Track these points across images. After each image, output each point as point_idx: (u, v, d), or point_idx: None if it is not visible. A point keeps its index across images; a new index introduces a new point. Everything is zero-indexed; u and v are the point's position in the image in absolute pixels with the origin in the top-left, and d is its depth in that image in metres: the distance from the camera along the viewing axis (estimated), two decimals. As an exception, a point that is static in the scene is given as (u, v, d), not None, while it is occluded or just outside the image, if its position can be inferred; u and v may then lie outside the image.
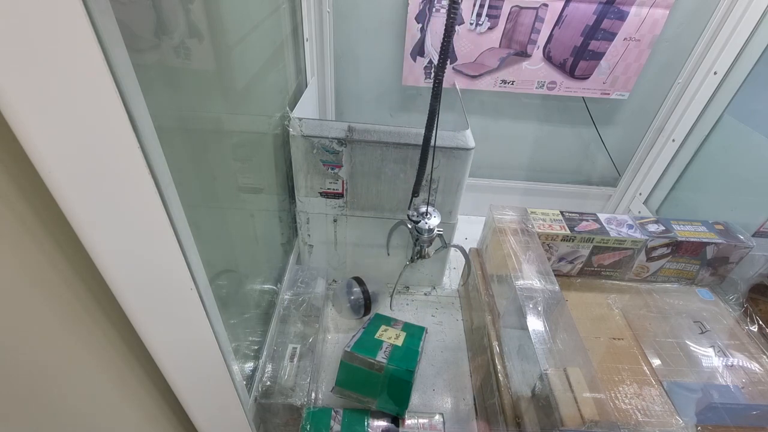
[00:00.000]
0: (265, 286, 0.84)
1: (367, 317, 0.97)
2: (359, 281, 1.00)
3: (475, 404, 0.86)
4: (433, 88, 0.58)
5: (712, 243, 0.89)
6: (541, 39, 1.05)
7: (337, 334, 0.98)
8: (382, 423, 0.74)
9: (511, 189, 1.38)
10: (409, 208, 0.81)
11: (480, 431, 0.81)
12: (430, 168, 0.84)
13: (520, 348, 0.70)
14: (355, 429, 0.73)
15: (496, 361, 0.75)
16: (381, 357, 0.77)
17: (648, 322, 0.87)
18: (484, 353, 0.82)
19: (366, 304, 0.97)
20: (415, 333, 0.88)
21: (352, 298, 0.97)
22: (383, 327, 0.87)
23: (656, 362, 0.79)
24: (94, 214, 0.30)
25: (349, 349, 0.78)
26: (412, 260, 0.86)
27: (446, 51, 0.53)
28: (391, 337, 0.84)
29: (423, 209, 0.80)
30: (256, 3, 0.69)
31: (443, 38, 0.51)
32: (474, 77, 1.12)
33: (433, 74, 0.55)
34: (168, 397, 0.49)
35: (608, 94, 1.14)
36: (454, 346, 0.98)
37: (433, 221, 0.79)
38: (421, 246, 0.82)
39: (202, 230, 0.47)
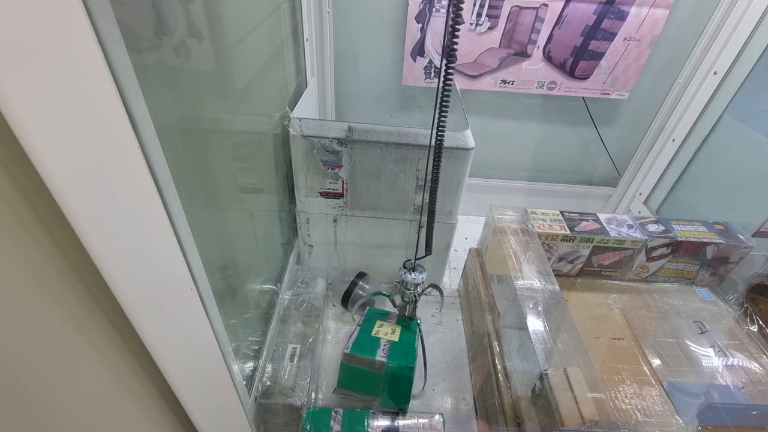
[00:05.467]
0: (265, 286, 0.84)
1: (361, 314, 0.97)
2: (361, 275, 1.03)
3: (475, 404, 0.86)
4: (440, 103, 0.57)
5: (712, 243, 0.89)
6: (541, 39, 1.05)
7: (337, 334, 0.98)
8: (382, 423, 0.74)
9: (511, 189, 1.38)
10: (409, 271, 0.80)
11: (480, 431, 0.81)
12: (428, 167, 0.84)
13: (520, 348, 0.70)
14: (355, 429, 0.72)
15: (496, 361, 0.75)
16: (380, 356, 0.77)
17: (648, 322, 0.87)
18: (484, 353, 0.82)
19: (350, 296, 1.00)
20: (410, 326, 0.88)
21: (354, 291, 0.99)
22: (378, 322, 0.87)
23: (656, 362, 0.79)
24: (94, 214, 0.30)
25: (348, 351, 0.78)
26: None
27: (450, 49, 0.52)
28: (387, 332, 0.84)
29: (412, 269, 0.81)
30: (256, 3, 0.69)
31: (446, 38, 0.51)
32: (474, 77, 1.12)
33: (438, 76, 0.54)
34: (168, 397, 0.48)
35: (608, 94, 1.14)
36: (454, 346, 0.98)
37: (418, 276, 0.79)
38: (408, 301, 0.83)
39: (202, 230, 0.47)
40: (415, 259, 0.79)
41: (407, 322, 0.88)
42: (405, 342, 0.82)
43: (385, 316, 0.91)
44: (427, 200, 0.82)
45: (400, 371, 0.76)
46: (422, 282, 0.80)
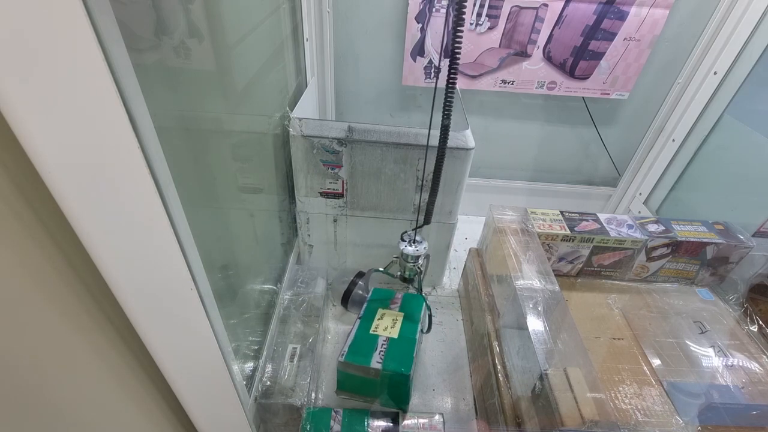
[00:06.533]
0: (265, 286, 0.84)
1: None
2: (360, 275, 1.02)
3: (475, 404, 0.86)
4: (444, 109, 0.58)
5: (712, 243, 0.89)
6: (541, 39, 1.05)
7: (337, 334, 0.98)
8: (382, 423, 0.74)
9: (511, 189, 1.38)
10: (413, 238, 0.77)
11: (480, 431, 0.81)
12: (423, 168, 0.84)
13: (520, 348, 0.70)
14: (355, 429, 0.72)
15: (496, 361, 0.75)
16: (376, 362, 0.75)
17: (648, 322, 0.87)
18: (484, 353, 0.82)
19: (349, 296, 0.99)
20: (413, 312, 0.85)
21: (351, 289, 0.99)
22: (380, 312, 0.85)
23: (656, 362, 0.79)
24: (94, 214, 0.30)
25: (342, 359, 0.75)
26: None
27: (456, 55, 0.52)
28: (387, 326, 0.82)
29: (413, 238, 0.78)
30: (256, 3, 0.69)
31: (452, 42, 0.50)
32: (474, 77, 1.12)
33: (442, 81, 0.53)
34: (168, 397, 0.49)
35: (608, 94, 1.14)
36: (454, 346, 0.98)
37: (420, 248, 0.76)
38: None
39: (202, 230, 0.47)
40: (415, 229, 0.75)
41: (411, 303, 0.85)
42: (405, 338, 0.80)
43: (388, 299, 0.88)
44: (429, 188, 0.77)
45: (396, 378, 0.74)
46: (424, 253, 0.77)
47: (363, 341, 0.80)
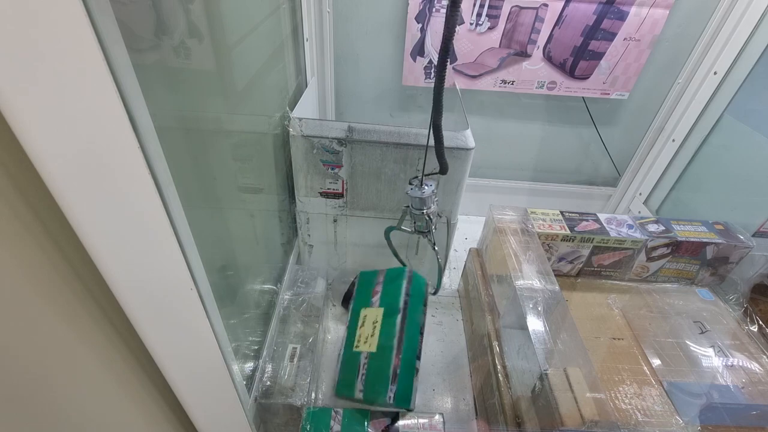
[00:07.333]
0: (265, 286, 0.84)
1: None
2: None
3: (475, 404, 0.86)
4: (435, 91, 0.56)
5: (712, 243, 0.89)
6: (541, 39, 1.05)
7: (337, 334, 0.98)
8: (383, 423, 0.74)
9: (511, 189, 1.38)
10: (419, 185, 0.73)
11: (480, 431, 0.81)
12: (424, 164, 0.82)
13: (520, 348, 0.70)
14: (355, 429, 0.72)
15: (496, 361, 0.75)
16: (359, 390, 0.76)
17: (648, 322, 0.87)
18: (484, 353, 0.82)
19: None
20: (394, 299, 0.80)
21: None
22: (362, 313, 0.82)
23: (656, 362, 0.79)
24: (94, 214, 0.30)
25: (335, 393, 0.78)
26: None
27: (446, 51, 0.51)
28: (367, 336, 0.78)
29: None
30: (256, 3, 0.69)
31: (442, 39, 0.50)
32: (474, 77, 1.12)
33: (433, 74, 0.52)
34: (168, 397, 0.48)
35: (608, 94, 1.14)
36: (454, 346, 0.98)
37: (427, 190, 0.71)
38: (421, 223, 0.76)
39: (202, 230, 0.47)
40: (423, 176, 0.71)
41: (392, 287, 0.82)
42: (383, 349, 0.77)
43: (371, 288, 0.85)
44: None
45: (377, 403, 0.76)
46: (433, 194, 0.72)
47: (349, 363, 0.80)
